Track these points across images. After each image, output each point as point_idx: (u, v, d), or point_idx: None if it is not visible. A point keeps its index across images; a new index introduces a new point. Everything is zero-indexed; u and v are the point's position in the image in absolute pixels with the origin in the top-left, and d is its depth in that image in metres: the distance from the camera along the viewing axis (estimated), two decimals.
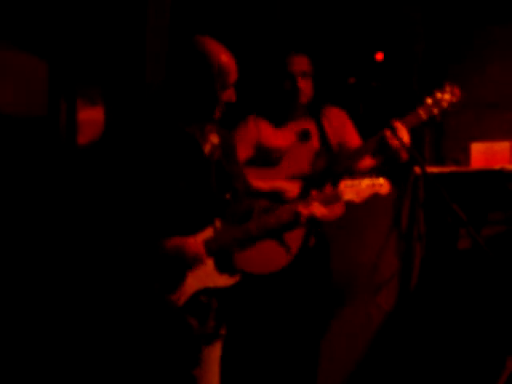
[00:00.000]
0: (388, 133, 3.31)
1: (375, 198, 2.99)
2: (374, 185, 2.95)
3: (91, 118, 3.51)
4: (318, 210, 2.87)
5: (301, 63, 3.61)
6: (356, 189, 2.93)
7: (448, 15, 4.43)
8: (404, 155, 3.36)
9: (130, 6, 3.62)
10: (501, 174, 4.06)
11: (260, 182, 3.47)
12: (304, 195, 3.42)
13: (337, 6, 4.40)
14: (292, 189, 3.47)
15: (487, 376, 3.90)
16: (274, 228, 2.84)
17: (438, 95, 3.33)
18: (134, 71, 3.60)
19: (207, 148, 2.83)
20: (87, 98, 3.53)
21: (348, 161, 3.48)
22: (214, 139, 2.86)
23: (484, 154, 4.24)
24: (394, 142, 3.29)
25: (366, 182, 2.95)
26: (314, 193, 2.93)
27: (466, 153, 4.32)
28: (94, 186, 2.69)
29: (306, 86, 3.60)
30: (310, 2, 4.42)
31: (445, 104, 3.33)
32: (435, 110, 3.34)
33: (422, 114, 3.34)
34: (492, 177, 4.09)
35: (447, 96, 3.32)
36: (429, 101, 3.33)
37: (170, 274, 2.67)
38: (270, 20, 4.38)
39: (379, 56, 3.96)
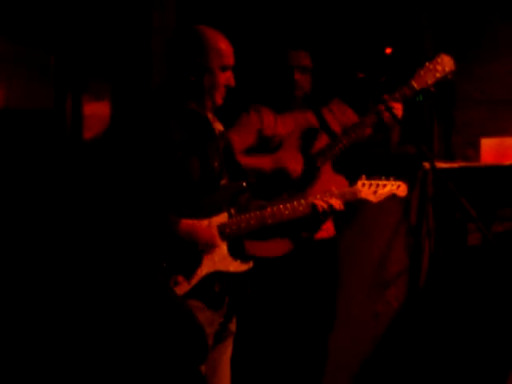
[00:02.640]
0: (382, 107, 3.39)
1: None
2: (392, 185, 3.05)
3: (97, 112, 3.51)
4: (335, 203, 2.91)
5: (300, 58, 3.68)
6: (373, 189, 3.02)
7: (459, 10, 4.40)
8: (396, 130, 3.52)
9: (136, 1, 3.61)
10: (511, 169, 4.03)
11: (262, 158, 3.52)
12: (308, 173, 3.54)
13: (344, 0, 4.39)
14: (296, 168, 3.53)
15: (496, 375, 3.87)
16: (289, 219, 2.87)
17: (430, 66, 3.38)
18: (141, 66, 3.60)
19: (215, 132, 2.87)
20: (93, 92, 3.53)
21: (347, 138, 3.54)
22: (219, 127, 2.90)
23: (494, 149, 4.21)
24: (388, 117, 3.39)
25: (383, 183, 3.05)
26: (332, 188, 2.97)
27: (476, 148, 4.29)
28: (105, 164, 2.68)
29: (302, 80, 3.67)
30: None
31: (437, 74, 3.37)
32: (428, 81, 3.39)
33: (415, 84, 3.40)
34: (502, 172, 4.06)
35: (439, 66, 3.36)
36: (421, 72, 3.39)
37: (184, 255, 2.68)
38: (279, 15, 4.37)
39: (389, 50, 3.98)
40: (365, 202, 3.03)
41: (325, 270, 3.70)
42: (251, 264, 2.80)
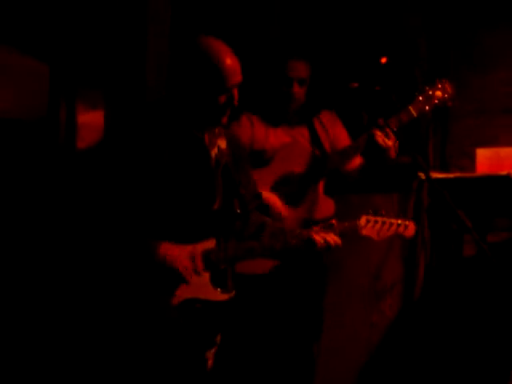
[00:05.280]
0: (377, 132, 3.34)
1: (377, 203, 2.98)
2: (398, 225, 2.86)
3: (91, 121, 3.50)
4: (331, 240, 2.78)
5: (299, 69, 3.61)
6: (378, 227, 2.85)
7: (452, 19, 4.41)
8: (392, 154, 3.37)
9: (131, 10, 3.61)
10: (507, 179, 4.02)
11: None
12: (297, 192, 3.48)
13: (339, 10, 4.39)
14: (275, 204, 3.44)
15: None
16: (281, 250, 2.77)
17: (429, 92, 3.36)
18: (135, 75, 3.59)
19: (214, 152, 2.78)
20: (88, 101, 3.52)
21: (339, 159, 3.49)
22: (222, 143, 2.80)
23: (489, 159, 4.20)
24: (383, 141, 3.33)
25: (390, 221, 2.86)
26: (333, 221, 2.83)
27: (472, 158, 4.28)
28: (93, 187, 2.65)
29: (299, 93, 3.61)
30: (313, 6, 4.41)
31: (436, 100, 3.36)
32: (426, 107, 3.37)
33: (413, 111, 3.37)
34: (498, 183, 4.06)
35: (438, 92, 3.34)
36: (420, 98, 3.36)
37: (161, 279, 2.62)
38: (273, 24, 4.37)
39: (383, 60, 3.97)
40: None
41: (313, 280, 3.67)
42: (233, 294, 2.71)
